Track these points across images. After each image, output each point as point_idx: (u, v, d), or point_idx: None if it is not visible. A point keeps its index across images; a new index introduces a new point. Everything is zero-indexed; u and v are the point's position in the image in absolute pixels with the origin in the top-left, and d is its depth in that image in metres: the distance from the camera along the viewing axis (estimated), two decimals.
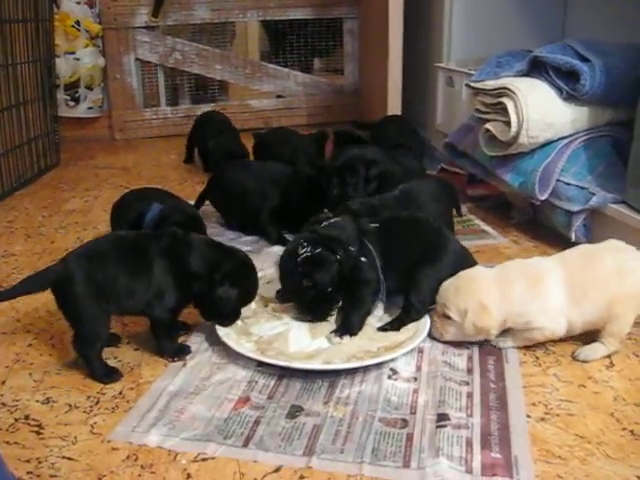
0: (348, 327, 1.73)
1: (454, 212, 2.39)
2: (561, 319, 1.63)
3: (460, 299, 1.64)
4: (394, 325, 1.77)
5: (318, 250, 1.73)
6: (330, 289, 1.74)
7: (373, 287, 1.78)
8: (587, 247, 1.77)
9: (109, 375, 1.61)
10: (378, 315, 1.83)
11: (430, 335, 1.73)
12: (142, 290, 1.63)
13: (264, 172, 2.57)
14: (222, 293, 1.67)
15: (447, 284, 1.70)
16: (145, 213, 2.15)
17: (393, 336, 1.72)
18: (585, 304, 1.61)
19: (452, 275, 1.83)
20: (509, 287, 1.63)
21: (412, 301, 1.77)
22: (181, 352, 1.70)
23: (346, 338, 1.70)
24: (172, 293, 1.65)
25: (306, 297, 1.75)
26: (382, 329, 1.77)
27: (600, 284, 1.62)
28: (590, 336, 1.68)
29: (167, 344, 1.70)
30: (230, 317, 1.74)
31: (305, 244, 1.74)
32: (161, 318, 1.67)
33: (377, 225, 1.86)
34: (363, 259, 1.77)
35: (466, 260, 1.85)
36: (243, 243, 2.46)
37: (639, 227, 2.02)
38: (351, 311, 1.76)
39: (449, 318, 1.66)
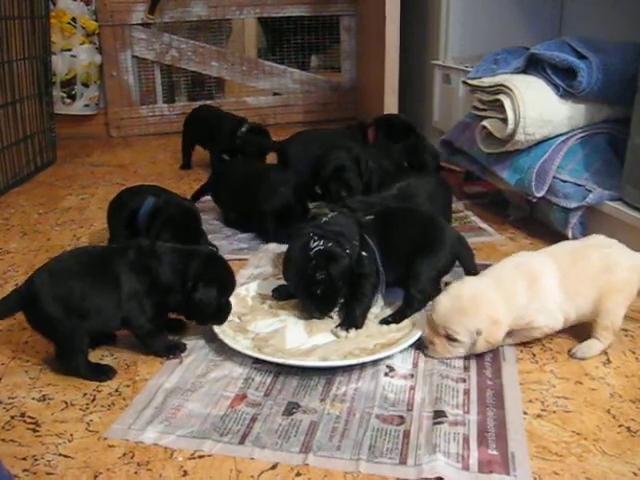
0: (353, 320, 1.75)
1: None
2: (559, 315, 1.64)
3: (470, 320, 1.57)
4: (396, 317, 1.78)
5: (330, 244, 1.74)
6: (340, 282, 1.75)
7: (373, 280, 1.80)
8: (573, 244, 1.77)
9: (103, 373, 1.61)
10: (375, 312, 1.83)
11: (427, 355, 1.65)
12: (113, 307, 1.60)
13: (266, 170, 2.57)
14: (201, 296, 1.64)
15: (444, 305, 1.60)
16: (139, 209, 2.15)
17: (389, 333, 1.73)
18: (578, 300, 1.63)
19: (450, 263, 1.85)
20: (511, 293, 1.61)
21: (412, 292, 1.78)
22: (176, 349, 1.69)
23: (352, 331, 1.72)
24: (147, 304, 1.63)
25: (317, 290, 1.75)
26: (384, 322, 1.77)
27: (589, 281, 1.63)
28: (585, 332, 1.68)
29: (158, 346, 1.69)
30: (221, 314, 1.71)
31: (316, 238, 1.75)
32: (143, 329, 1.65)
33: (372, 217, 1.88)
34: (364, 253, 1.79)
35: (462, 247, 1.87)
36: (240, 240, 2.46)
37: (635, 224, 2.02)
38: (354, 304, 1.77)
39: (456, 340, 1.59)
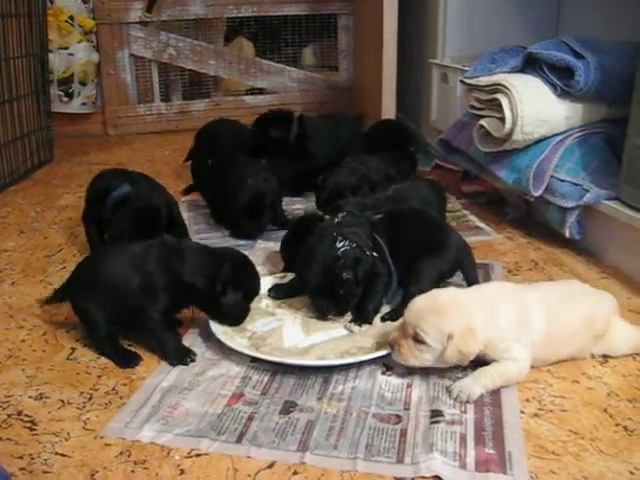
0: (364, 316, 1.76)
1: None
2: (529, 361, 1.53)
3: (444, 322, 1.46)
4: (392, 315, 1.78)
5: (354, 245, 1.75)
6: (362, 283, 1.77)
7: (385, 280, 1.81)
8: (563, 289, 1.68)
9: (131, 360, 1.65)
10: None
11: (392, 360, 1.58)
12: (132, 297, 1.64)
13: (233, 165, 2.56)
14: (229, 300, 1.68)
15: (419, 304, 1.52)
16: (112, 190, 2.15)
17: (387, 332, 1.72)
18: (558, 347, 1.58)
19: (453, 268, 1.85)
20: (495, 311, 1.52)
21: (412, 291, 1.77)
22: (186, 356, 1.65)
23: (365, 326, 1.74)
24: (161, 298, 1.65)
25: (341, 290, 1.74)
26: (381, 320, 1.78)
27: (573, 335, 1.58)
28: None
29: (170, 346, 1.67)
30: (239, 316, 1.74)
31: (341, 238, 1.75)
32: (153, 321, 1.66)
33: (381, 216, 1.90)
34: (375, 254, 1.81)
35: (466, 254, 1.87)
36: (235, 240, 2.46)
37: (632, 223, 2.02)
38: (366, 302, 1.79)
39: (423, 343, 1.49)
